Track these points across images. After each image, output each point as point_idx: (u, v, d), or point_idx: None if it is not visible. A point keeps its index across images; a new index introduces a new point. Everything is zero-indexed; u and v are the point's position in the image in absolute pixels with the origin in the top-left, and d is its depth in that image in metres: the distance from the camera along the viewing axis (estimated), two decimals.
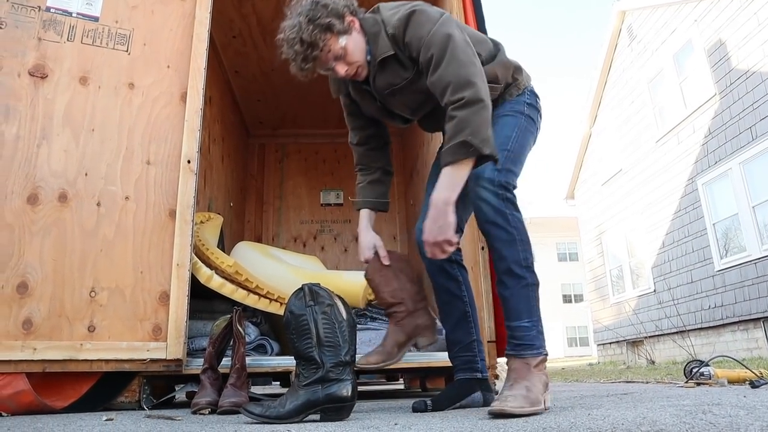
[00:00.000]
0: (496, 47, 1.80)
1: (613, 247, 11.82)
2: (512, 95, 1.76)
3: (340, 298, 1.51)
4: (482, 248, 2.28)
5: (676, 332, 8.96)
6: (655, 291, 9.98)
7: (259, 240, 4.44)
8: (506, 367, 1.62)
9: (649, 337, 9.95)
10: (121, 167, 2.20)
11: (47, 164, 2.14)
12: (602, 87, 12.12)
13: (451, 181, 1.51)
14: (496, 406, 1.35)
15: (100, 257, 2.09)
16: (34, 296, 1.99)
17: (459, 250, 1.87)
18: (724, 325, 8.11)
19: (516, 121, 1.73)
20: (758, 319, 7.40)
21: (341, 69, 1.67)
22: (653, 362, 8.88)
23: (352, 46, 1.67)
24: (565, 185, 13.91)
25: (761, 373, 2.62)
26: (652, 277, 10.11)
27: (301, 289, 1.46)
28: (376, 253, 1.83)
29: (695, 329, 8.69)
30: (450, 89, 1.52)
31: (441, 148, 1.89)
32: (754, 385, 2.21)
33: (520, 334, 1.55)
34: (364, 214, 1.95)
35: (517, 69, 1.80)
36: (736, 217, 7.96)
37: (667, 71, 9.61)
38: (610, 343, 11.76)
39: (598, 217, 12.43)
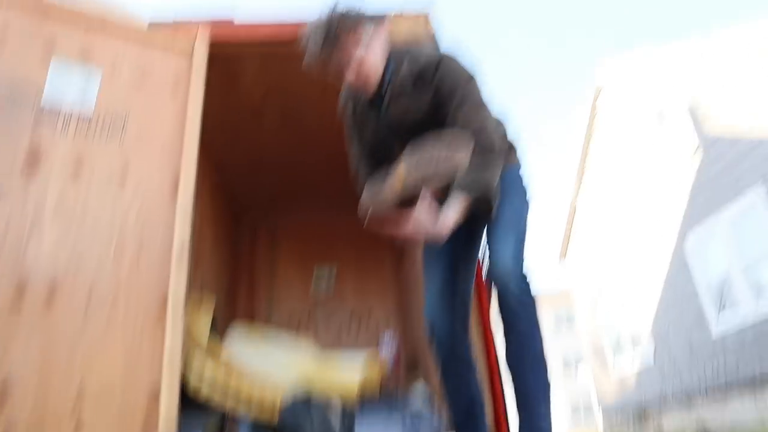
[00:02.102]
0: (500, 120, 1.87)
1: (610, 313, 11.71)
2: (509, 161, 1.79)
3: (334, 401, 1.46)
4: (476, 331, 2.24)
5: (682, 399, 8.73)
6: (655, 358, 9.80)
7: (251, 321, 4.34)
8: None
9: (655, 406, 9.68)
10: (112, 259, 2.18)
11: (36, 256, 2.11)
12: (586, 151, 12.43)
13: (456, 210, 1.56)
14: None
15: (89, 354, 2.02)
16: (15, 397, 1.90)
17: (470, 344, 1.83)
18: (729, 390, 7.92)
19: (521, 200, 1.78)
20: (763, 381, 7.24)
21: (352, 72, 1.70)
22: None
23: (371, 55, 1.70)
24: (556, 250, 13.97)
25: None
26: (651, 342, 9.96)
27: (294, 396, 1.41)
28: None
29: (701, 395, 8.47)
30: (480, 132, 1.59)
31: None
32: None
33: None
34: None
35: (513, 146, 1.85)
36: (728, 276, 7.96)
37: (649, 131, 9.88)
38: (615, 414, 11.41)
39: (593, 283, 12.39)
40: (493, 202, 1.58)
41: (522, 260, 1.64)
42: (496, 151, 1.60)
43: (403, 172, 1.56)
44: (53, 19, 2.40)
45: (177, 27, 2.83)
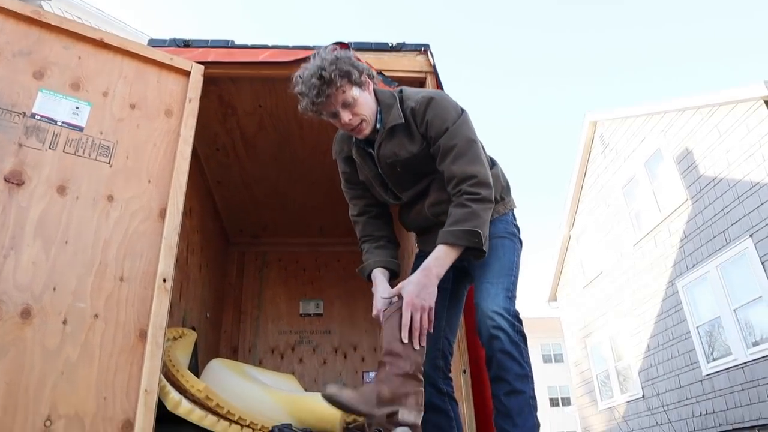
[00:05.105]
0: (492, 161, 1.87)
1: (599, 350, 11.63)
2: (499, 212, 1.80)
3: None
4: (464, 371, 2.18)
5: None
6: (643, 396, 9.70)
7: (235, 351, 4.26)
8: None
9: None
10: (92, 283, 2.10)
11: (12, 276, 2.02)
12: (579, 191, 12.50)
13: (446, 259, 1.60)
14: None
15: (61, 381, 1.94)
16: None
17: (450, 379, 1.80)
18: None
19: (513, 245, 1.78)
20: (752, 427, 7.16)
21: (346, 116, 1.74)
22: None
23: (362, 100, 1.76)
24: (547, 287, 13.93)
25: None
26: (639, 381, 9.88)
27: (271, 431, 1.35)
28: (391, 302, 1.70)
29: None
30: (470, 182, 1.63)
31: (420, 244, 1.99)
32: None
33: None
34: (377, 272, 1.84)
35: (506, 188, 1.86)
36: (719, 319, 7.94)
37: (639, 177, 9.98)
38: None
39: (582, 320, 12.33)
40: (485, 248, 1.59)
41: (515, 302, 1.65)
42: (488, 198, 1.62)
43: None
44: (47, 42, 2.37)
45: (176, 46, 2.82)
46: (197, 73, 2.63)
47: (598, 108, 11.01)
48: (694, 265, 8.39)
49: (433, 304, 1.57)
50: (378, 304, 1.72)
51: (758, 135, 7.19)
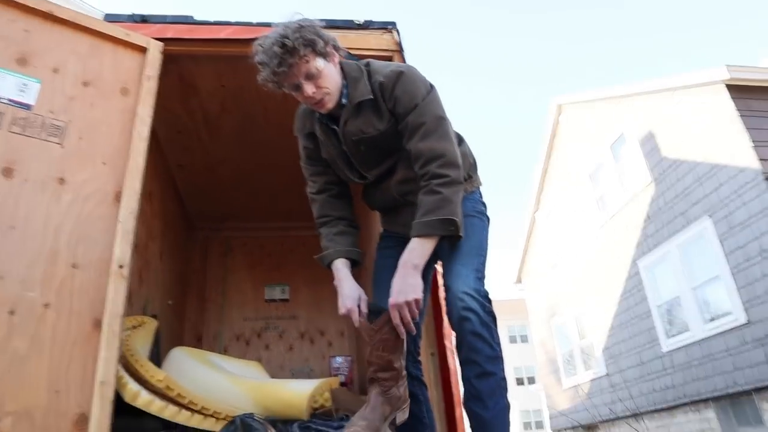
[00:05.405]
0: (460, 138, 1.82)
1: (564, 330, 11.89)
2: (467, 191, 1.77)
3: (274, 425, 1.35)
4: (432, 354, 2.17)
5: (631, 415, 8.89)
6: (607, 374, 9.98)
7: (199, 339, 4.15)
8: None
9: (604, 421, 9.84)
10: (43, 270, 1.98)
11: None
12: (545, 173, 12.66)
13: (423, 251, 1.55)
14: None
15: (8, 376, 1.82)
16: None
17: (419, 362, 1.78)
18: (676, 407, 8.12)
19: (482, 223, 1.75)
20: (707, 399, 7.44)
21: (309, 89, 1.65)
22: None
23: (327, 72, 1.67)
24: (513, 268, 14.13)
25: None
26: (603, 359, 10.14)
27: (233, 422, 1.30)
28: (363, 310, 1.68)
29: (649, 412, 8.66)
30: (438, 162, 1.57)
31: (384, 224, 1.96)
32: None
33: None
34: (340, 264, 1.77)
35: (473, 166, 1.83)
36: (678, 298, 8.18)
37: (604, 160, 10.14)
38: (566, 429, 11.55)
39: (548, 300, 12.56)
40: (461, 233, 1.56)
41: (484, 282, 1.62)
42: (458, 179, 1.58)
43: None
44: None
45: (133, 22, 2.68)
46: (155, 50, 2.50)
47: (564, 92, 11.11)
48: (655, 246, 8.60)
49: (419, 295, 1.53)
50: (347, 302, 1.66)
51: (718, 118, 7.36)
